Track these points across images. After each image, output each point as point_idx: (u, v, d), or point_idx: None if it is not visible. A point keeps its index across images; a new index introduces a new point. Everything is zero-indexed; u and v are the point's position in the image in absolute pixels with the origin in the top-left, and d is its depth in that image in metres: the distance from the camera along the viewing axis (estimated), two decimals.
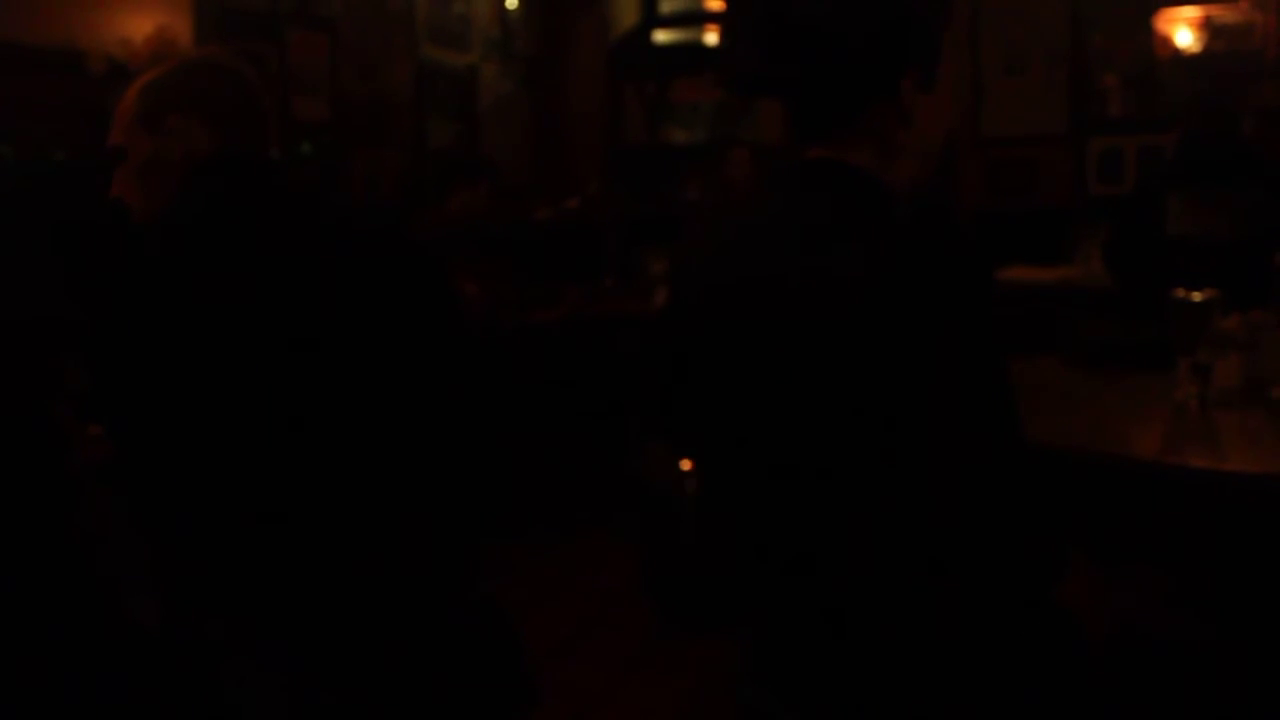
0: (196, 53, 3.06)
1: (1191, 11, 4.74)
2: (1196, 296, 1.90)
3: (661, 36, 5.92)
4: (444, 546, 1.41)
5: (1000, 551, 1.14)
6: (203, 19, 3.50)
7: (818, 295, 1.15)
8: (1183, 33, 4.76)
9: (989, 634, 1.18)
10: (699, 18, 5.92)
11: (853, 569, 1.18)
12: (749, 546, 1.29)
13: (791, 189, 1.25)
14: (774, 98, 1.26)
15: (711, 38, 5.85)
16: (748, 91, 1.32)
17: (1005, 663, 1.19)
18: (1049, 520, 1.18)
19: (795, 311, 1.17)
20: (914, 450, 1.13)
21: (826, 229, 1.18)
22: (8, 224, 2.66)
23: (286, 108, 3.84)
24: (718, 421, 1.27)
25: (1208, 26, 4.72)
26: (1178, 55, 4.76)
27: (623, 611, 3.21)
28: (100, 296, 1.34)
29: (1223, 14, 4.69)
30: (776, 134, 5.15)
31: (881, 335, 1.12)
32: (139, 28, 3.31)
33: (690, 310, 1.31)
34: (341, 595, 1.30)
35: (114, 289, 1.33)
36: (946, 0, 1.29)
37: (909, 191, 1.21)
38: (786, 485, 1.21)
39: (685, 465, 3.35)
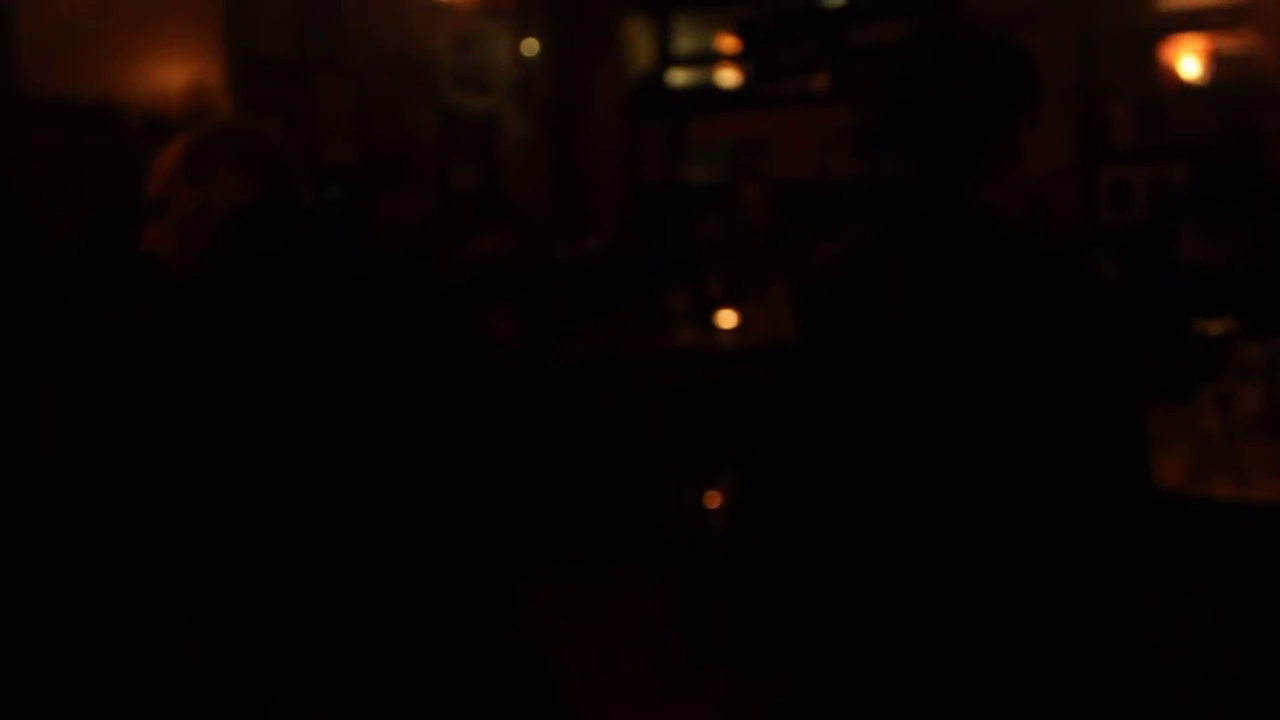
0: (233, 118, 3.13)
1: (1198, 41, 4.80)
2: (1216, 327, 1.93)
3: (677, 77, 6.02)
4: (480, 582, 1.42)
5: (1103, 595, 1.20)
6: (235, 69, 3.59)
7: (955, 332, 1.23)
8: (1189, 62, 4.81)
9: (1057, 673, 1.22)
10: (713, 58, 6.02)
11: (946, 601, 1.23)
12: (832, 572, 1.33)
13: (924, 229, 1.34)
14: (905, 154, 1.35)
15: (726, 77, 5.95)
16: (882, 152, 1.41)
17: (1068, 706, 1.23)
18: (1151, 567, 1.24)
19: (938, 348, 1.24)
20: (1043, 483, 1.19)
21: (958, 267, 1.27)
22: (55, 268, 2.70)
23: (317, 152, 3.93)
24: (852, 446, 1.32)
25: (1214, 56, 4.78)
26: (1185, 85, 4.82)
27: (652, 643, 3.23)
28: (139, 343, 1.38)
29: (1228, 43, 4.75)
30: (792, 169, 5.23)
31: (1014, 368, 1.20)
32: (174, 80, 3.40)
33: (834, 346, 1.37)
34: (378, 629, 1.32)
35: (153, 336, 1.36)
36: (1029, 54, 1.35)
37: (1025, 225, 1.30)
38: (907, 510, 1.25)
39: (712, 502, 3.36)
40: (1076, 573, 1.21)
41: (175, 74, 3.40)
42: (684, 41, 6.05)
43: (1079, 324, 1.22)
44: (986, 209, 1.31)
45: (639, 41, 5.88)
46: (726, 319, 4.35)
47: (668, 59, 5.96)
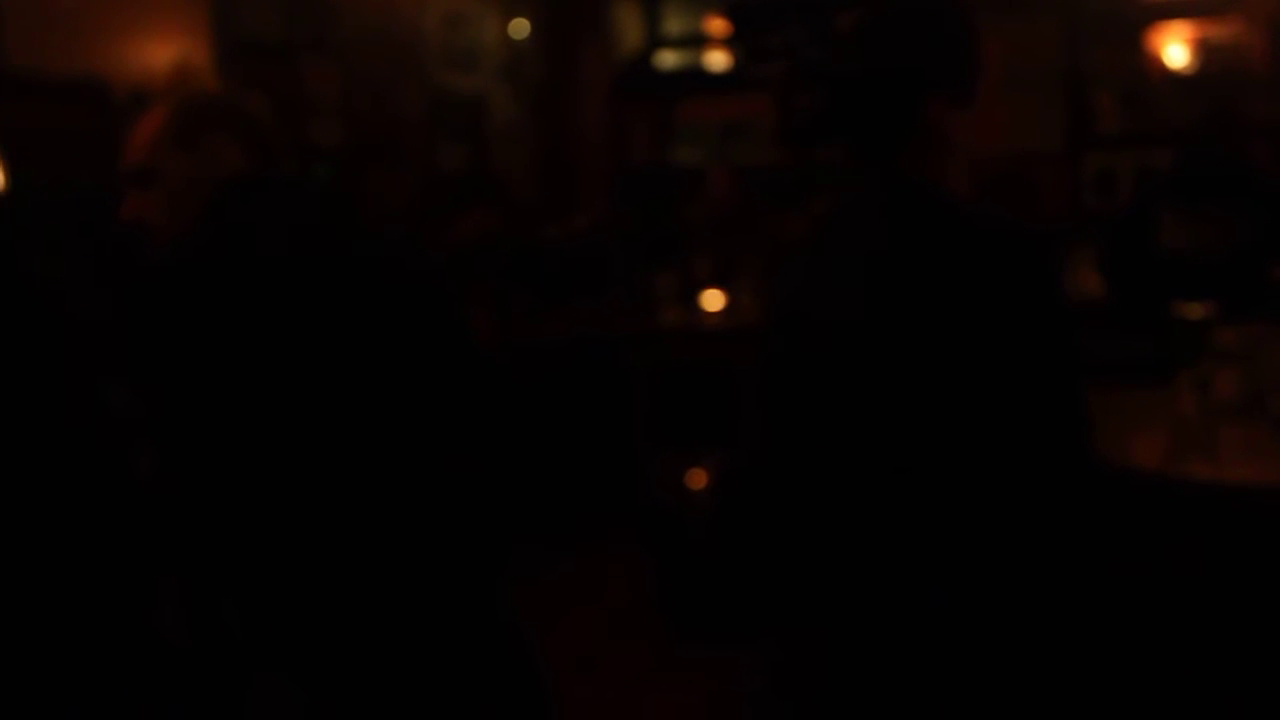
0: (218, 90, 3.12)
1: (1184, 28, 4.81)
2: (1195, 311, 1.95)
3: (666, 59, 6.01)
4: (462, 564, 1.43)
5: (1054, 567, 1.22)
6: (221, 47, 3.57)
7: (900, 304, 1.25)
8: (1175, 49, 4.83)
9: (1032, 650, 1.25)
10: (702, 41, 6.01)
11: (919, 579, 1.25)
12: (812, 551, 1.34)
13: (860, 205, 1.37)
14: (826, 140, 1.37)
15: (715, 60, 5.94)
16: (801, 141, 1.44)
17: (1049, 681, 1.25)
18: (1099, 538, 1.26)
19: (884, 321, 1.26)
20: (991, 455, 1.21)
21: (889, 242, 1.29)
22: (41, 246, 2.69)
23: (302, 131, 3.92)
24: (814, 428, 1.34)
25: (1200, 43, 4.79)
26: (1171, 73, 4.84)
27: (638, 625, 3.25)
28: (132, 313, 1.38)
29: (1214, 31, 4.76)
30: (779, 153, 5.24)
31: (941, 341, 1.22)
32: (160, 57, 3.38)
33: (796, 326, 1.39)
34: (361, 611, 1.33)
35: (145, 306, 1.36)
36: (962, 25, 1.36)
37: (970, 201, 1.31)
38: (871, 488, 1.28)
39: (696, 482, 3.38)
40: (1031, 545, 1.23)
41: (161, 51, 3.38)
42: (673, 24, 6.03)
43: (1018, 292, 1.22)
44: (923, 181, 1.32)
45: (628, 23, 5.86)
46: (712, 300, 4.37)
47: (656, 41, 5.95)
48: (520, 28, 5.34)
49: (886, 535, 1.26)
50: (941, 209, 1.29)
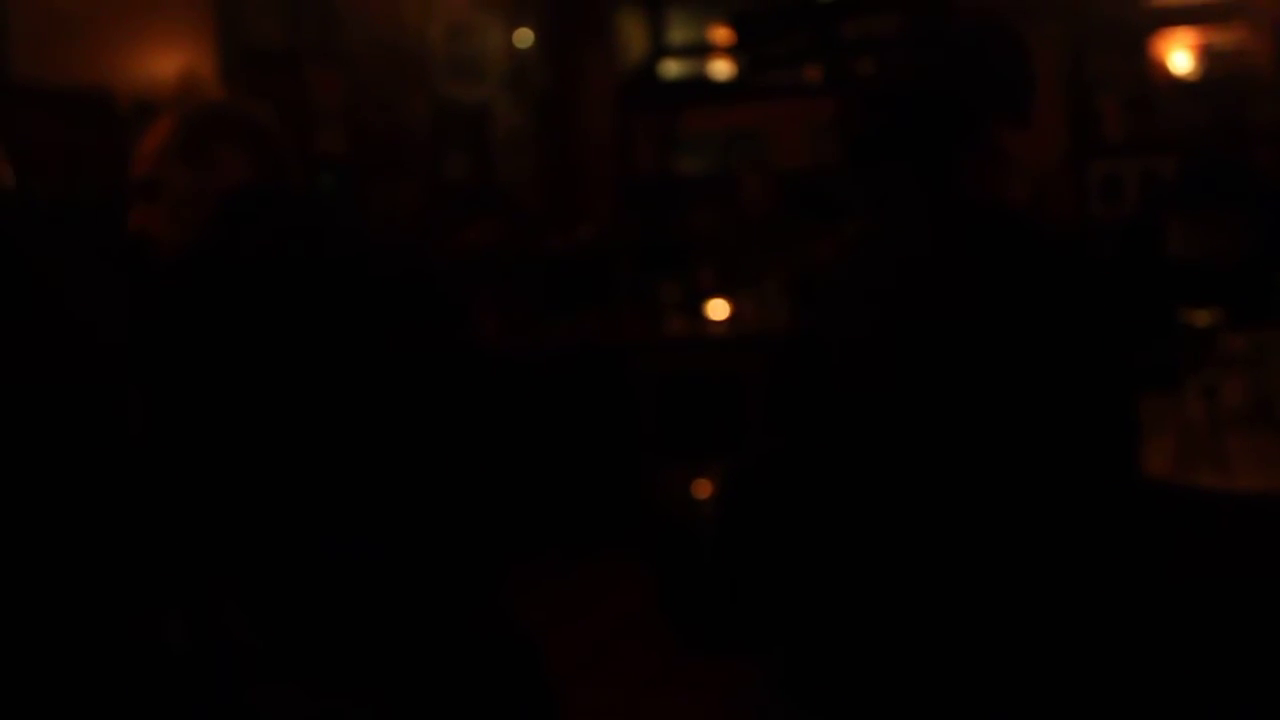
0: (223, 99, 3.13)
1: (1188, 35, 4.81)
2: (1202, 318, 1.94)
3: (670, 68, 6.02)
4: (463, 565, 1.43)
5: (1089, 578, 1.22)
6: (226, 57, 3.58)
7: (957, 322, 1.25)
8: (1180, 55, 4.83)
9: (1048, 654, 1.24)
10: (706, 49, 6.03)
11: (940, 579, 1.24)
12: (823, 561, 1.33)
13: (922, 222, 1.36)
14: (883, 158, 1.37)
15: (719, 68, 5.95)
16: (861, 156, 1.43)
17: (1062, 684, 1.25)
18: (1139, 553, 1.25)
19: (938, 338, 1.26)
20: (1036, 470, 1.21)
21: (944, 258, 1.29)
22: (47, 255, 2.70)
23: (308, 141, 3.93)
24: (850, 436, 1.33)
25: (1205, 50, 4.80)
26: (1175, 79, 4.84)
27: (641, 631, 3.25)
28: (137, 323, 1.38)
29: (1219, 37, 4.77)
30: (785, 161, 5.24)
31: (999, 349, 1.22)
32: (165, 67, 3.39)
33: (835, 337, 1.38)
34: (364, 613, 1.33)
35: (150, 316, 1.36)
36: (1019, 48, 1.37)
37: (1025, 214, 1.31)
38: (898, 488, 1.27)
39: (701, 491, 3.38)
40: (1065, 562, 1.23)
41: (166, 61, 3.39)
42: (677, 33, 6.05)
43: (1078, 310, 1.23)
44: (982, 199, 1.32)
45: (632, 33, 5.88)
46: (717, 309, 4.36)
47: (661, 50, 5.96)
48: (525, 37, 5.35)
49: (918, 550, 1.25)
50: (1001, 223, 1.29)
